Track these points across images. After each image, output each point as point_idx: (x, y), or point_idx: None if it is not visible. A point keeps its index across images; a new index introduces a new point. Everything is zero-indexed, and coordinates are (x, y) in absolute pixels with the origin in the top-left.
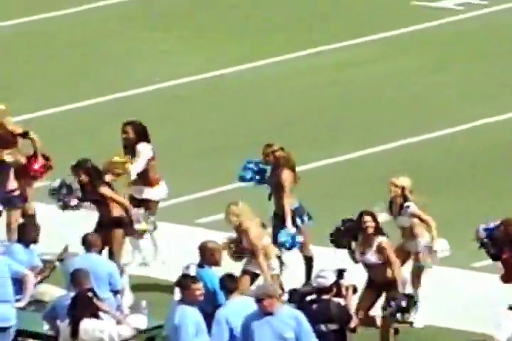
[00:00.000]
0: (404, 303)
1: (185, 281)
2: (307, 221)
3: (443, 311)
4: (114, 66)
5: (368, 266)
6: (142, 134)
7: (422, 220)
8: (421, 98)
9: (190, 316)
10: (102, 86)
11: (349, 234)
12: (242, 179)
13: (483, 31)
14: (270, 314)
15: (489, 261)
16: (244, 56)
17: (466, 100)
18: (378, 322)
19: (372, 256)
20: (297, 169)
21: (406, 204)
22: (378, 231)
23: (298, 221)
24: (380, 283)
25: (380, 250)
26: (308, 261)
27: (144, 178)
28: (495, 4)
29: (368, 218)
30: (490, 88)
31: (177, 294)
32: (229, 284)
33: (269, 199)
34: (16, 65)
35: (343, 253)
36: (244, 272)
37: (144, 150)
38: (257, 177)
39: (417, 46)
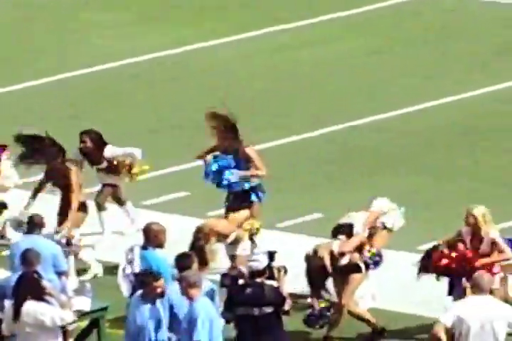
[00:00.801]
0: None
1: (146, 279)
2: (263, 197)
3: (386, 294)
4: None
5: None
6: (100, 141)
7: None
8: (366, 78)
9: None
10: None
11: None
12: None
13: (427, 14)
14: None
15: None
16: (199, 37)
17: (411, 80)
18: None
19: None
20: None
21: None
22: None
23: (253, 198)
24: None
25: None
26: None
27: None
28: None
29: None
30: (432, 69)
31: (124, 285)
32: (182, 263)
33: None
34: None
35: None
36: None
37: (113, 150)
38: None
39: (366, 27)
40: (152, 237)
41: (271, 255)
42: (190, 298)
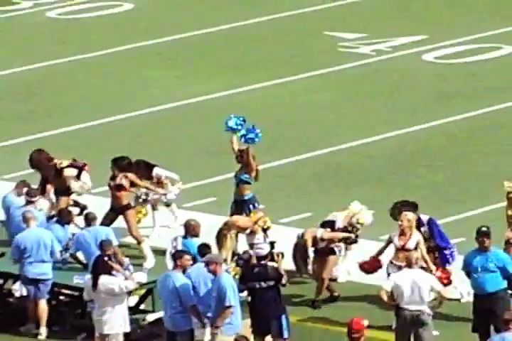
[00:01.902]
0: None
1: (178, 254)
2: (258, 206)
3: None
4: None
5: None
6: (149, 165)
7: None
8: (330, 120)
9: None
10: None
11: None
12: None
13: (386, 73)
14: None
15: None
16: (223, 87)
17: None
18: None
19: None
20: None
21: None
22: None
23: (251, 207)
24: None
25: None
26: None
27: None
28: (398, 50)
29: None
30: (387, 112)
31: (170, 264)
32: (202, 250)
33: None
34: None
35: None
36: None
37: (158, 171)
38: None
39: (337, 82)
40: (191, 230)
41: (272, 244)
42: (215, 273)
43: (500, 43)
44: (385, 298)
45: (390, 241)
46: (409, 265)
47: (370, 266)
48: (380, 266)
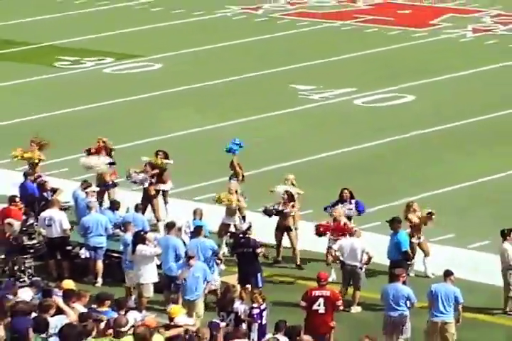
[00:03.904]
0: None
1: (171, 223)
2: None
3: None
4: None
5: None
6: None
7: None
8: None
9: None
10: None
11: None
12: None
13: (329, 112)
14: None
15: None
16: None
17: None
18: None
19: None
20: None
21: None
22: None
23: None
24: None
25: None
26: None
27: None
28: (338, 97)
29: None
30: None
31: (185, 237)
32: (198, 229)
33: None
34: None
35: None
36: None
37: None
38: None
39: (298, 118)
40: (199, 214)
41: (250, 225)
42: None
43: (405, 93)
44: (334, 254)
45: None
46: (351, 234)
47: (325, 229)
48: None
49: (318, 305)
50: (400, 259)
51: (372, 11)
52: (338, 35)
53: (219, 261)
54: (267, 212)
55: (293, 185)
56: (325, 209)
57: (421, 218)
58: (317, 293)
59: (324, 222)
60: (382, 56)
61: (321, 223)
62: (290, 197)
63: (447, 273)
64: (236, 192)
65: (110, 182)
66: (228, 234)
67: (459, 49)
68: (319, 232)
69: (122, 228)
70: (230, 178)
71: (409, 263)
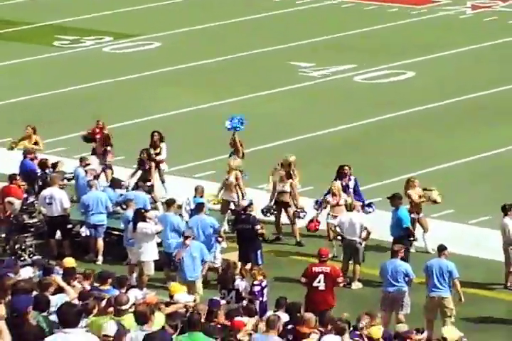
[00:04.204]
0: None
1: (170, 200)
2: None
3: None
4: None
5: None
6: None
7: None
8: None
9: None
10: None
11: None
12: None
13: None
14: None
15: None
16: (208, 100)
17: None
18: None
19: None
20: None
21: None
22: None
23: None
24: None
25: None
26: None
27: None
28: (337, 74)
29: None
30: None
31: (185, 214)
32: (200, 206)
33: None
34: None
35: None
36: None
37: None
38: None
39: (298, 94)
40: (200, 191)
41: (251, 202)
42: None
43: (405, 70)
44: (333, 229)
45: (327, 202)
46: (351, 210)
47: (315, 227)
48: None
49: (319, 282)
50: (402, 235)
51: None
52: (337, 13)
53: (220, 239)
54: (265, 213)
55: (293, 168)
56: (316, 202)
57: (421, 195)
58: (317, 269)
59: (314, 221)
60: (381, 33)
61: (311, 224)
62: (288, 175)
63: (441, 248)
64: (238, 169)
65: (107, 163)
66: (229, 210)
67: (458, 25)
68: (310, 229)
69: (123, 206)
70: (230, 155)
71: (411, 239)
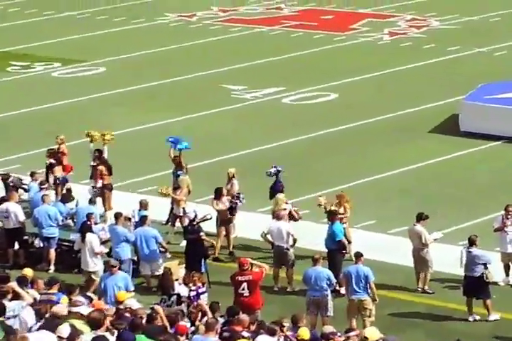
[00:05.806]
0: None
1: (118, 213)
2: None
3: None
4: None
5: None
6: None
7: None
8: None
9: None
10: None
11: None
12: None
13: (261, 109)
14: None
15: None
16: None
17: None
18: None
19: None
20: None
21: None
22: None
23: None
24: None
25: None
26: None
27: None
28: (267, 96)
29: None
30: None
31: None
32: (143, 219)
33: None
34: None
35: None
36: None
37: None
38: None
39: (232, 115)
40: (144, 205)
41: (195, 213)
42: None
43: (329, 92)
44: (268, 238)
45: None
46: (279, 219)
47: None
48: None
49: (243, 289)
50: (335, 249)
51: (297, 17)
52: (266, 40)
53: (162, 249)
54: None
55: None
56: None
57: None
58: (240, 278)
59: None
60: (307, 58)
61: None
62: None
63: (357, 255)
64: (187, 186)
65: (61, 177)
66: (176, 223)
67: (377, 51)
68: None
69: (75, 219)
70: (175, 172)
71: (344, 252)
